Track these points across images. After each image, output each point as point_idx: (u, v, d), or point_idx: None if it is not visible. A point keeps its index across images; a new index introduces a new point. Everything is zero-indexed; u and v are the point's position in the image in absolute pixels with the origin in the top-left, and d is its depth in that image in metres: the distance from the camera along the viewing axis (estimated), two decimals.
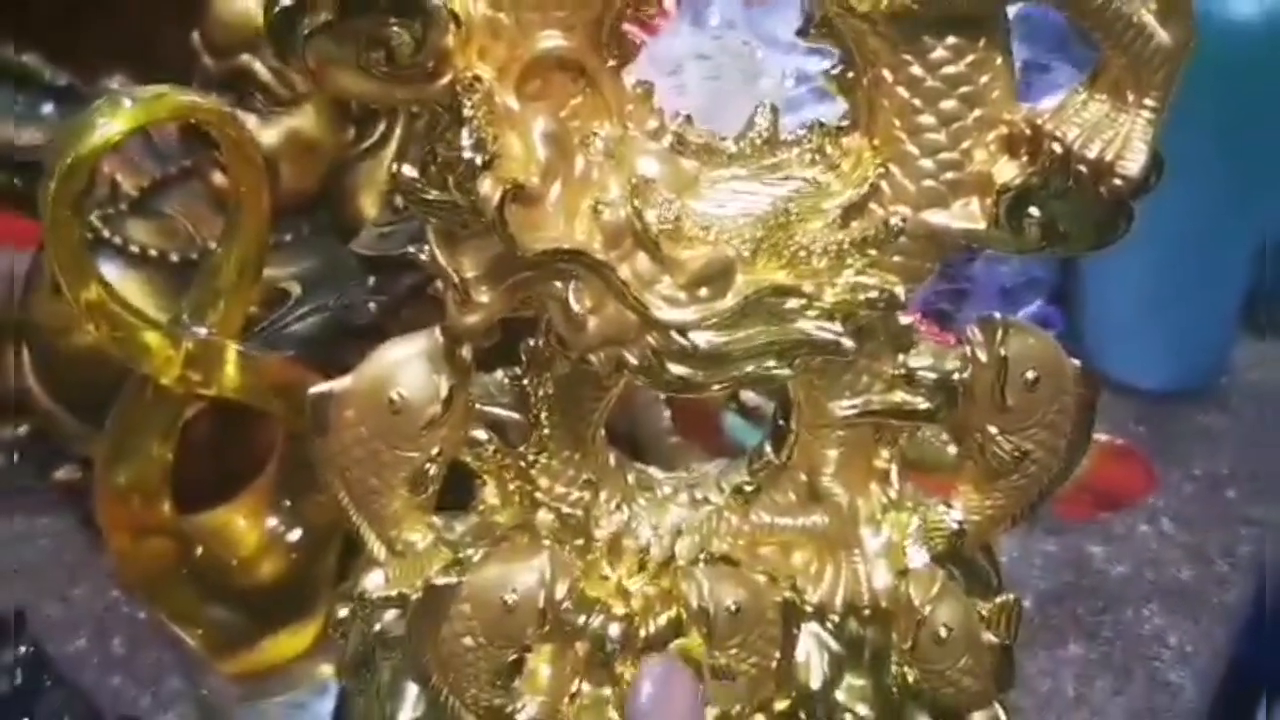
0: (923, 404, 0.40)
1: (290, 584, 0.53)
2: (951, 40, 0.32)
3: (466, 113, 0.31)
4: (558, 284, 0.33)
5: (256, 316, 0.58)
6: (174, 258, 0.60)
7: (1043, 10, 0.32)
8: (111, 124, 0.42)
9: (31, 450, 0.65)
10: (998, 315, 0.40)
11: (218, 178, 0.60)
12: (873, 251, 0.33)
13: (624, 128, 0.34)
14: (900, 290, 0.33)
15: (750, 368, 0.33)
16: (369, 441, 0.38)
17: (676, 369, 0.33)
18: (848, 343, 0.33)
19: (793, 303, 0.33)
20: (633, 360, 0.33)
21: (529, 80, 0.33)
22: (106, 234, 0.60)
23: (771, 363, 0.33)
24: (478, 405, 0.40)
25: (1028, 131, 0.33)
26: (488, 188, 0.30)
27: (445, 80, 0.32)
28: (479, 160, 0.30)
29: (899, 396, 0.40)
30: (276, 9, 0.31)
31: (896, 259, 0.34)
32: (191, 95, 0.45)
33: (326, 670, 0.53)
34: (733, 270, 0.32)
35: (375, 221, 0.60)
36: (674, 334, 0.32)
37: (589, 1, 0.32)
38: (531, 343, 0.39)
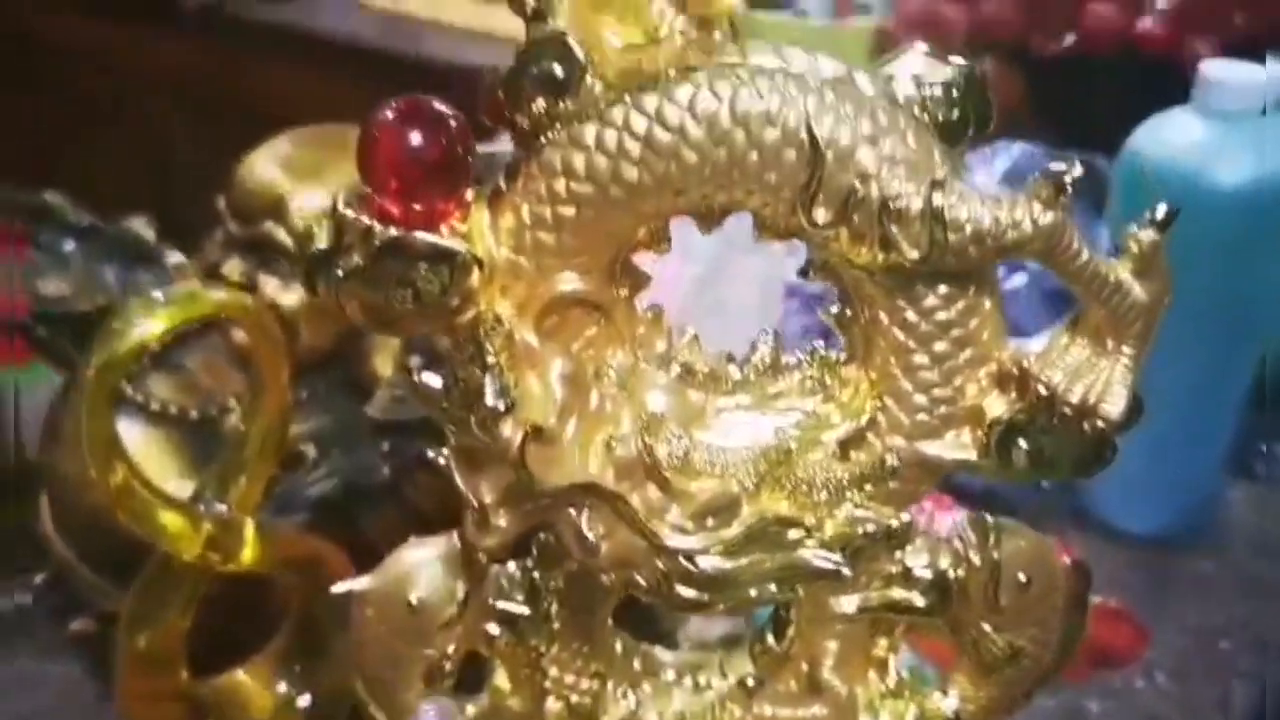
0: (920, 601, 0.42)
1: None
2: (943, 289, 0.34)
3: (489, 359, 0.33)
4: (571, 511, 0.34)
5: (273, 478, 0.60)
6: (194, 415, 0.62)
7: None
8: (148, 325, 0.44)
9: (47, 597, 0.66)
10: (989, 518, 0.41)
11: (238, 334, 0.63)
12: (869, 487, 0.35)
13: (635, 356, 0.36)
14: (896, 522, 0.35)
15: (754, 591, 0.35)
16: (387, 640, 0.40)
17: (684, 591, 0.35)
18: (846, 571, 0.35)
19: (794, 533, 0.34)
20: (642, 582, 0.35)
21: (547, 316, 0.35)
22: (129, 391, 0.62)
23: (774, 587, 0.35)
24: (490, 600, 0.42)
25: (1015, 371, 0.35)
26: (509, 431, 0.32)
27: (468, 316, 0.34)
28: (501, 407, 0.32)
29: (897, 593, 0.42)
30: (313, 252, 0.34)
31: (892, 486, 0.36)
32: (221, 293, 0.47)
33: None
34: (738, 505, 0.34)
35: (389, 383, 0.62)
36: (682, 559, 0.34)
37: (604, 247, 0.35)
38: (543, 538, 0.41)
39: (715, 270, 0.67)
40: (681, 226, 0.36)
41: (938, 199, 0.32)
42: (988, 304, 0.35)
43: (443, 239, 0.33)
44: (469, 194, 0.34)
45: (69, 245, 0.79)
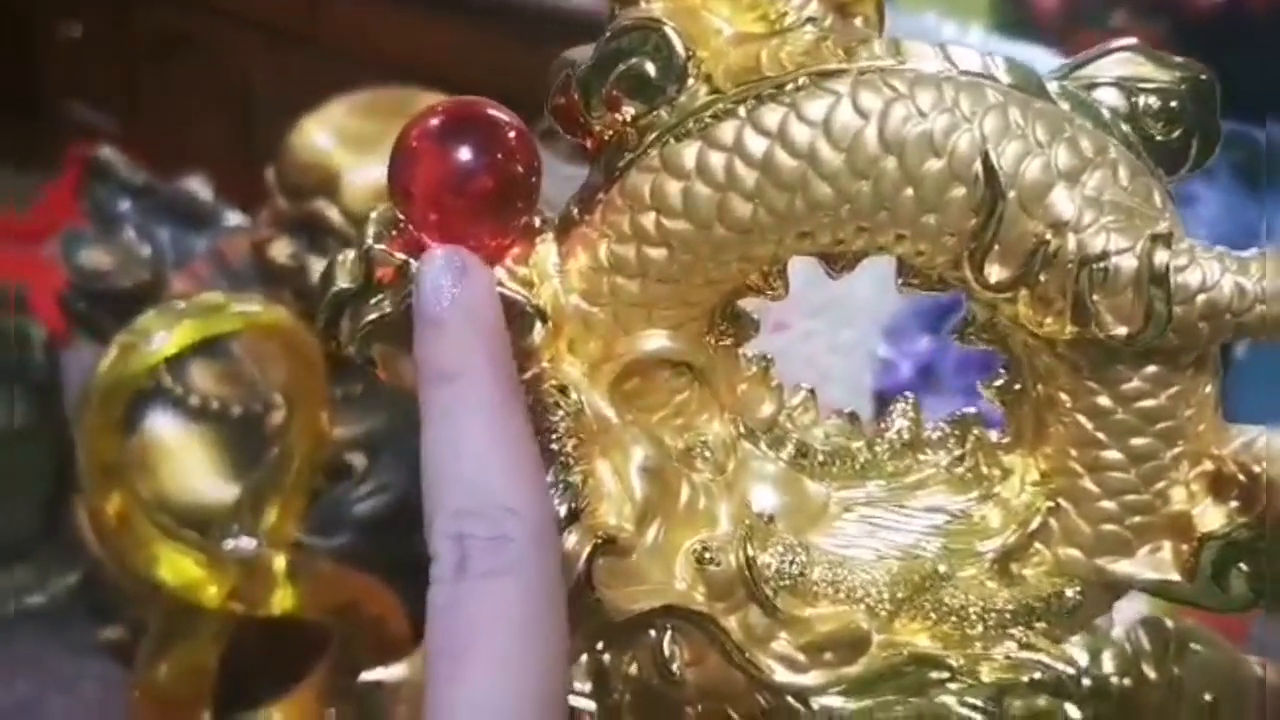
0: (1075, 713, 0.34)
1: None
2: (1151, 370, 0.26)
3: (553, 445, 0.25)
4: (651, 631, 0.27)
5: (315, 491, 0.54)
6: (236, 411, 0.56)
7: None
8: (166, 339, 0.38)
9: (83, 598, 0.61)
10: (1170, 622, 0.33)
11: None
12: (1040, 624, 0.27)
13: (736, 428, 0.28)
14: (1071, 671, 0.27)
15: None
16: None
17: None
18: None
19: (936, 673, 0.27)
20: None
21: (626, 381, 0.27)
22: (168, 381, 0.57)
23: None
24: None
25: (1240, 474, 0.26)
26: (574, 543, 0.25)
27: (527, 377, 0.27)
28: (564, 512, 0.25)
29: (1044, 702, 0.34)
30: (330, 293, 0.27)
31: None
32: (253, 305, 0.41)
33: None
34: (867, 643, 0.26)
35: None
36: (790, 699, 0.27)
37: (703, 297, 0.27)
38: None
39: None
40: None
41: (1160, 258, 0.24)
42: (1208, 388, 0.26)
43: (496, 283, 0.26)
44: (531, 225, 0.27)
45: (123, 204, 0.73)
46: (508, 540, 0.22)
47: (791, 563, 0.26)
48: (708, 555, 0.26)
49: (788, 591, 0.26)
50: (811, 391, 0.30)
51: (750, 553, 0.26)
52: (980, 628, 0.27)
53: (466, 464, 0.23)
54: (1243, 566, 0.27)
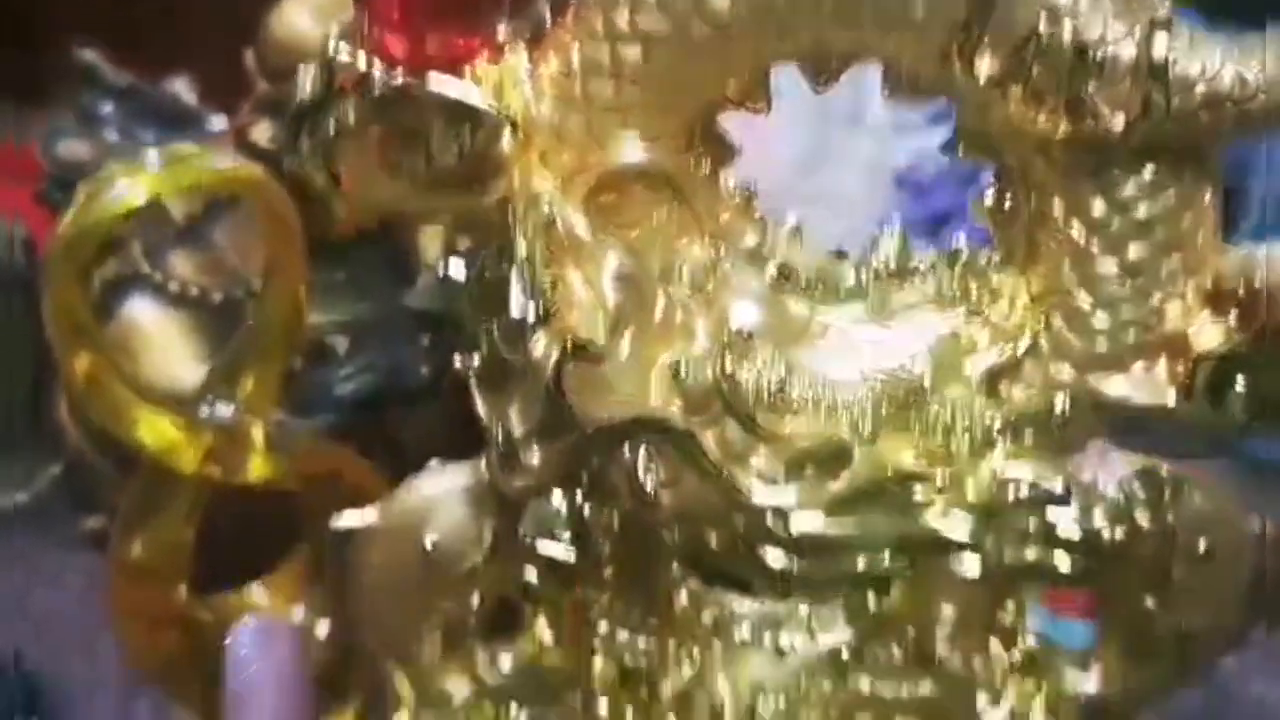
0: (1065, 565, 0.33)
1: (319, 680, 0.47)
2: (1149, 175, 0.24)
3: (521, 250, 0.24)
4: (625, 451, 0.26)
5: (297, 372, 0.53)
6: (216, 297, 0.55)
7: None
8: (132, 189, 0.36)
9: (65, 490, 0.60)
10: (1164, 468, 0.32)
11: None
12: (1028, 438, 0.26)
13: (717, 250, 0.27)
14: (1059, 489, 0.26)
15: (860, 563, 0.27)
16: (397, 589, 0.33)
17: (769, 558, 0.27)
18: (987, 548, 0.26)
19: (921, 492, 0.26)
20: (715, 544, 0.27)
21: (601, 195, 0.26)
22: (146, 268, 0.55)
23: (886, 559, 0.27)
24: (527, 539, 0.34)
25: (1239, 288, 0.25)
26: (542, 347, 0.24)
27: (495, 194, 0.26)
28: (530, 316, 0.24)
29: (1034, 553, 0.33)
30: (295, 104, 0.26)
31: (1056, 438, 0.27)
32: (228, 159, 0.39)
33: None
34: (849, 455, 0.25)
35: (432, 266, 0.54)
36: (769, 518, 0.26)
37: (680, 103, 0.26)
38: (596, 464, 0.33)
39: (810, 154, 0.57)
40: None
41: (1159, 45, 0.23)
42: (1208, 197, 0.25)
43: (463, 89, 0.25)
44: (500, 29, 0.26)
45: (106, 108, 0.72)
46: None
47: (771, 379, 0.25)
48: (684, 368, 0.25)
49: (766, 407, 0.26)
50: (798, 227, 0.29)
51: (728, 367, 0.25)
52: (967, 444, 0.26)
53: None
54: (1240, 386, 0.26)
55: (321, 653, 0.48)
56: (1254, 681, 0.56)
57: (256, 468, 0.42)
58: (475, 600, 0.33)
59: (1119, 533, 0.32)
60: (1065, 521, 0.32)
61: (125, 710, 0.55)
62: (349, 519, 0.33)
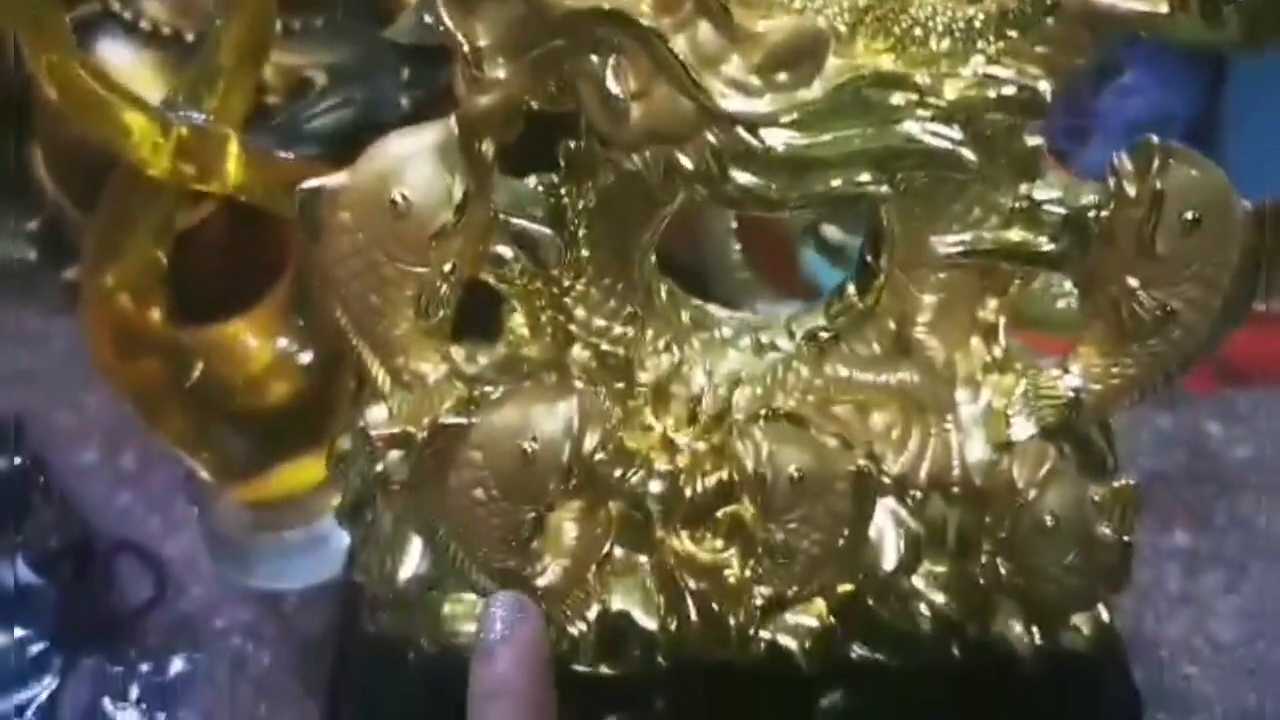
0: (1046, 244, 0.33)
1: (303, 408, 0.47)
2: None
3: None
4: (593, 59, 0.25)
5: (276, 108, 0.52)
6: (189, 36, 0.54)
7: None
8: None
9: (45, 244, 0.60)
10: (1155, 139, 0.31)
11: None
12: (1013, 33, 0.25)
13: None
14: (1045, 87, 0.25)
15: (837, 180, 0.26)
16: (368, 251, 0.32)
17: (742, 177, 0.26)
18: (969, 154, 0.25)
19: (899, 97, 0.25)
20: (687, 163, 0.26)
21: None
22: (116, 6, 0.54)
23: (866, 175, 0.26)
24: (503, 215, 0.33)
25: None
26: None
27: None
28: None
29: (1017, 234, 0.33)
30: None
31: (1040, 49, 0.26)
32: None
33: None
34: (824, 48, 0.24)
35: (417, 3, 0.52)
36: (741, 130, 0.25)
37: None
38: (571, 144, 0.32)
39: None
40: None
41: None
42: None
43: None
44: None
45: None
46: None
47: None
48: None
49: (740, 2, 0.24)
50: None
51: None
52: (946, 43, 0.25)
53: None
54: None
55: (305, 380, 0.48)
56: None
57: (231, 173, 0.40)
58: (447, 266, 0.32)
59: (1105, 212, 0.32)
60: (1049, 200, 0.32)
61: (111, 460, 0.55)
62: (317, 181, 0.32)
